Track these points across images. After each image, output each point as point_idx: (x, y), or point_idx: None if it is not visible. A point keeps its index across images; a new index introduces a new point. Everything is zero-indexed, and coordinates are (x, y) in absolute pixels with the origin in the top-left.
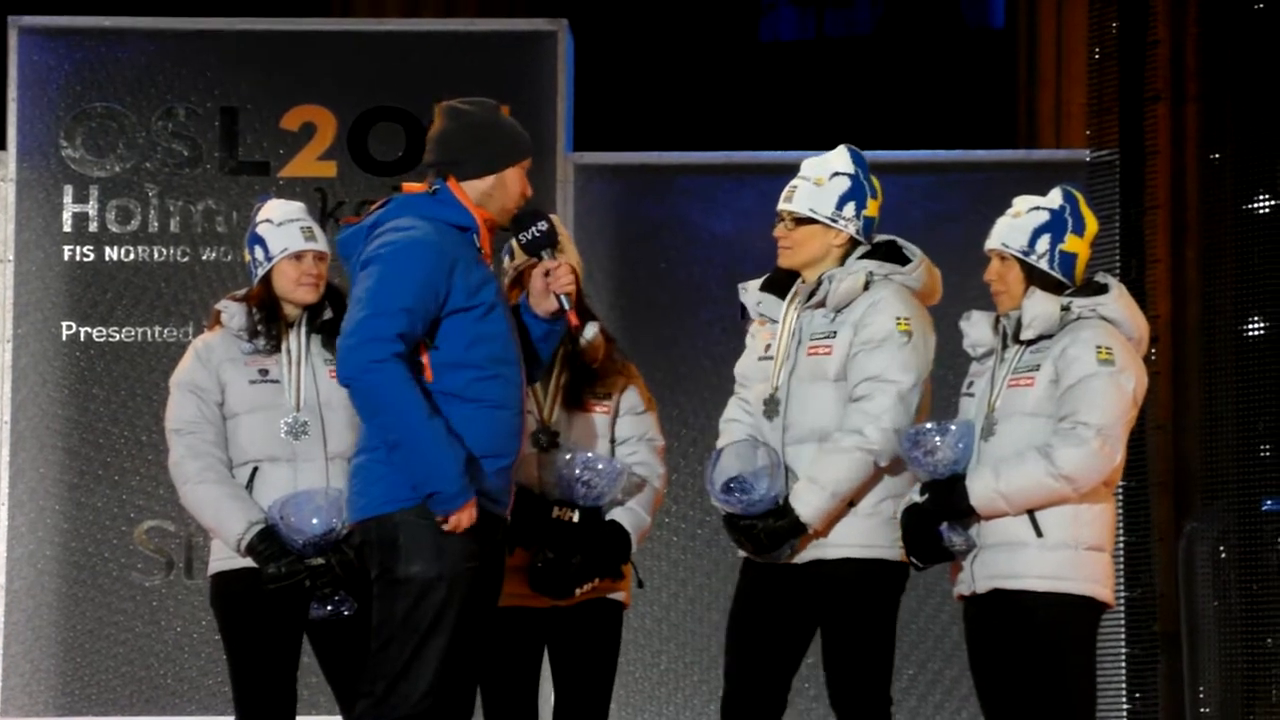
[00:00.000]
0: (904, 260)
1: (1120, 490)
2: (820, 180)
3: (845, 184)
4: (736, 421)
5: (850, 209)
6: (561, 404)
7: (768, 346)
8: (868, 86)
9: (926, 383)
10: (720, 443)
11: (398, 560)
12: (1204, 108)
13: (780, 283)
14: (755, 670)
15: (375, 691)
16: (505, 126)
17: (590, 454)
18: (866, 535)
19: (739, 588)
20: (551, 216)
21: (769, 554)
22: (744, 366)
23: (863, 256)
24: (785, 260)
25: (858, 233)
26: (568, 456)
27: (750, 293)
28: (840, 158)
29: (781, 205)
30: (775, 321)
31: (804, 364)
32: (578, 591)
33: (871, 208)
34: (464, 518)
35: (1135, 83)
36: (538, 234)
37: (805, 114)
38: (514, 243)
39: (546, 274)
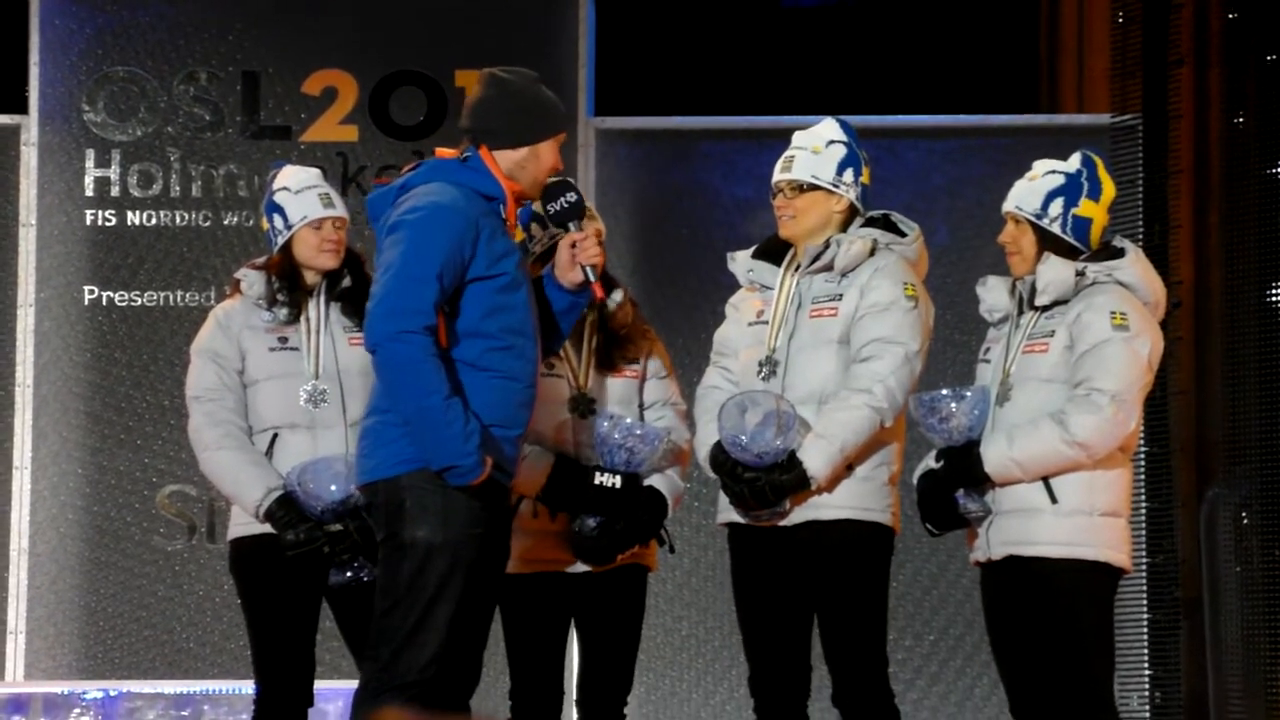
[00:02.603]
0: (900, 233)
1: (1142, 456)
2: (817, 149)
3: (842, 151)
4: (717, 389)
5: (849, 175)
6: (595, 369)
7: (760, 312)
8: (888, 51)
9: (925, 353)
10: (699, 409)
11: (403, 524)
12: (1227, 72)
13: (771, 252)
14: (774, 647)
15: (381, 656)
16: (544, 99)
17: (629, 420)
18: (863, 498)
19: (735, 563)
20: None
21: (765, 511)
22: (728, 334)
23: (864, 225)
24: (789, 229)
25: (857, 199)
26: (607, 423)
27: (740, 261)
28: (831, 127)
29: (780, 176)
30: (767, 288)
31: (805, 327)
32: (618, 558)
33: (865, 175)
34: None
35: (1158, 47)
36: (566, 204)
37: (827, 79)
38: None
39: (573, 245)
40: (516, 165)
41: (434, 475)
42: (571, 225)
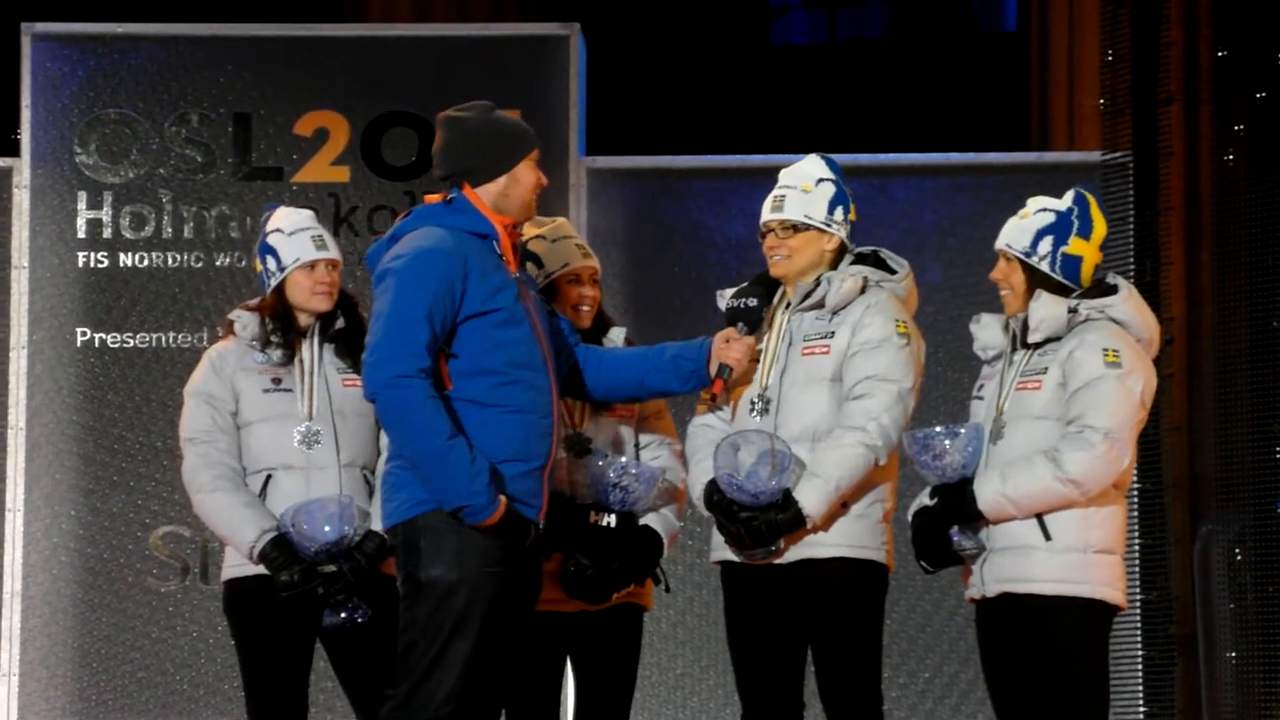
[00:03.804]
0: (890, 270)
1: (1135, 492)
2: (807, 187)
3: (832, 189)
4: (710, 427)
5: (840, 213)
6: (590, 409)
7: None
8: (880, 90)
9: (917, 390)
10: (691, 447)
11: (419, 564)
12: (1217, 109)
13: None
14: (767, 686)
15: (398, 695)
16: (505, 125)
17: (625, 459)
18: (858, 536)
19: (728, 601)
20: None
21: (759, 549)
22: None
23: (854, 263)
24: (781, 269)
25: (848, 237)
26: (602, 462)
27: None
28: (817, 165)
29: (770, 216)
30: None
31: (797, 365)
32: (614, 597)
33: (853, 212)
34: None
35: (1148, 85)
36: (745, 307)
37: (818, 117)
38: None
39: (727, 340)
40: (500, 196)
41: (449, 515)
42: (740, 326)
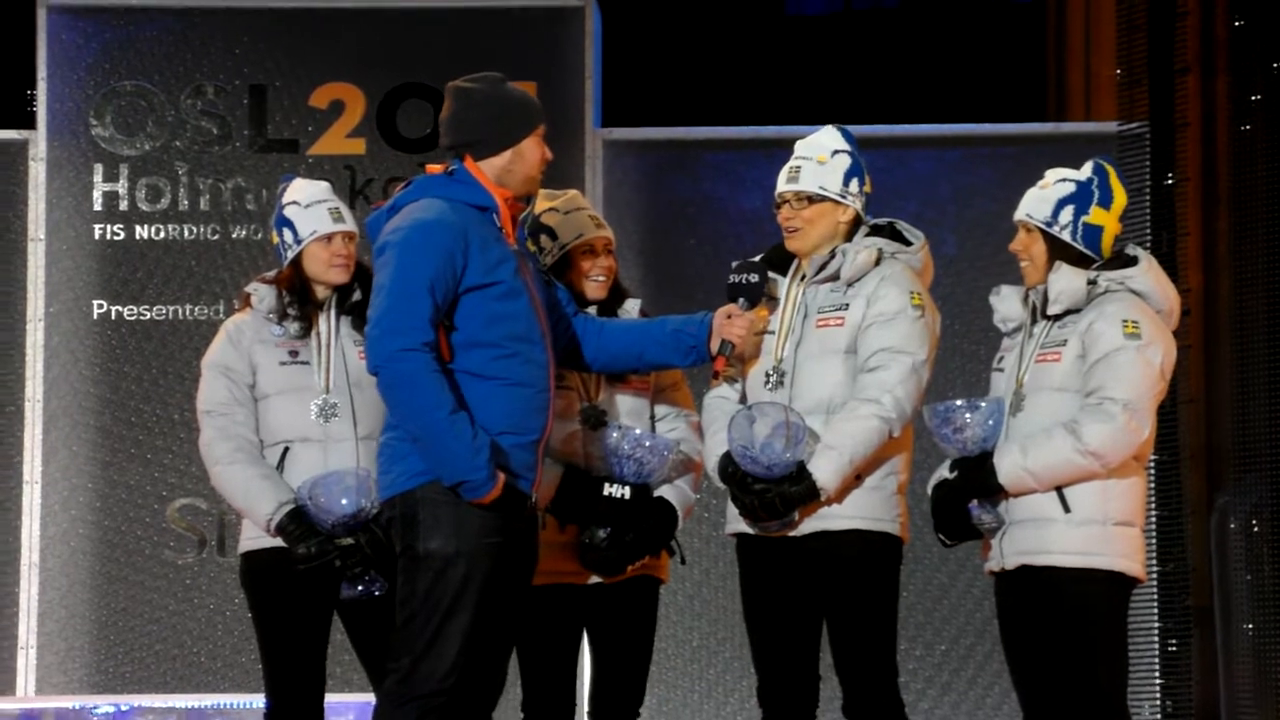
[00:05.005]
0: (906, 241)
1: (1152, 464)
2: (823, 159)
3: (847, 161)
4: (725, 399)
5: (855, 185)
6: (605, 381)
7: (766, 323)
8: (895, 60)
9: (931, 362)
10: (707, 419)
11: (418, 536)
12: (1234, 79)
13: (776, 262)
14: (783, 658)
15: (400, 668)
16: (513, 98)
17: (639, 431)
18: (872, 508)
19: (743, 573)
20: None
21: (773, 521)
22: None
23: (869, 234)
24: (796, 242)
25: (863, 209)
26: (616, 434)
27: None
28: (833, 136)
29: (786, 187)
30: (773, 299)
31: (812, 337)
32: (629, 569)
33: (868, 184)
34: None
35: (1165, 55)
36: (746, 283)
37: (832, 88)
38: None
39: (729, 316)
40: (503, 170)
41: (447, 487)
42: (740, 302)
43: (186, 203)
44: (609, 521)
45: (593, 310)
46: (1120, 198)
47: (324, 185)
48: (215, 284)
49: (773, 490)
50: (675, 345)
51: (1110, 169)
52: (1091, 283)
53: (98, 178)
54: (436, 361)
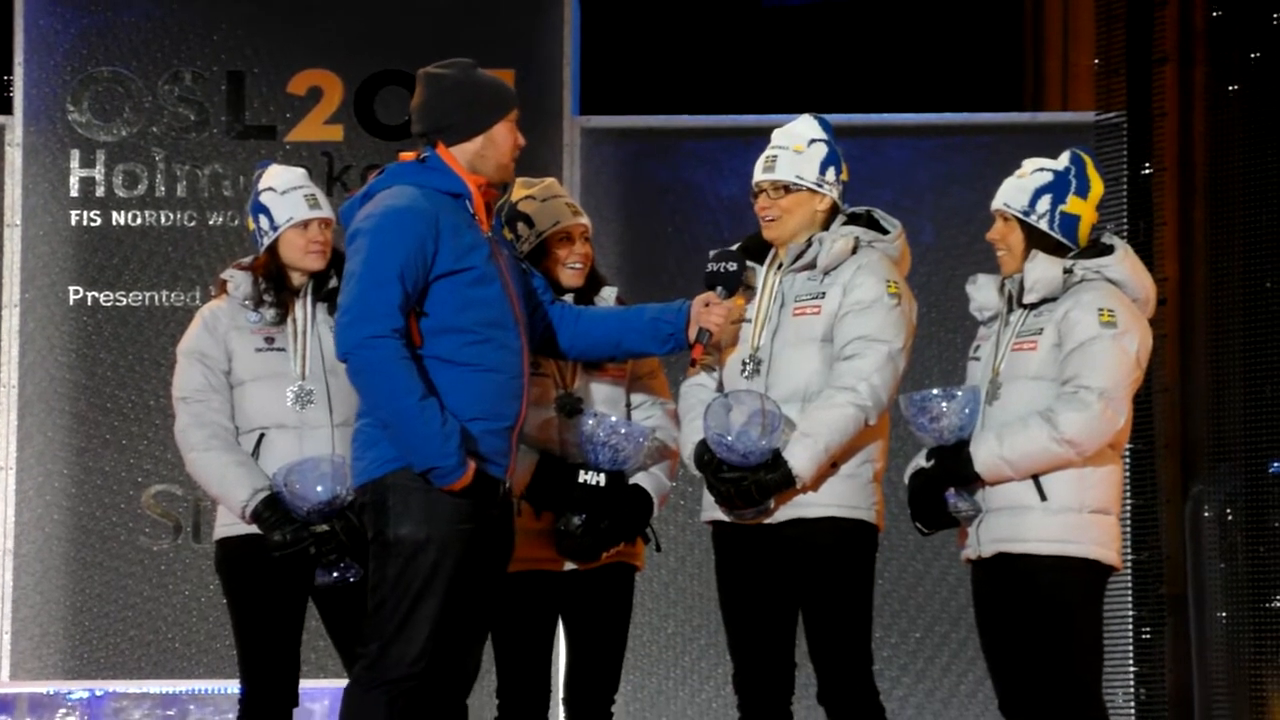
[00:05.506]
0: (882, 230)
1: (1127, 453)
2: (799, 148)
3: (824, 150)
4: (701, 386)
5: (831, 174)
6: (582, 369)
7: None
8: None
9: (908, 350)
10: (683, 406)
11: (388, 522)
12: (1211, 69)
13: (753, 250)
14: (758, 645)
15: (369, 653)
16: (484, 84)
17: (615, 418)
18: (847, 496)
19: (719, 561)
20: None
21: (749, 509)
22: None
23: (846, 223)
24: (773, 231)
25: (839, 198)
26: (592, 421)
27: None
28: (810, 125)
29: (762, 177)
30: (750, 287)
31: (788, 325)
32: (604, 556)
33: (845, 172)
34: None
35: (1143, 45)
36: (724, 271)
37: (810, 77)
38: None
39: (707, 304)
40: (476, 156)
41: (417, 474)
42: (718, 289)
43: (163, 189)
44: (584, 508)
45: (569, 298)
46: (1097, 187)
47: (300, 171)
48: (192, 270)
49: (748, 478)
50: (653, 333)
51: (1087, 159)
52: (1068, 271)
53: (74, 163)
54: (407, 348)
